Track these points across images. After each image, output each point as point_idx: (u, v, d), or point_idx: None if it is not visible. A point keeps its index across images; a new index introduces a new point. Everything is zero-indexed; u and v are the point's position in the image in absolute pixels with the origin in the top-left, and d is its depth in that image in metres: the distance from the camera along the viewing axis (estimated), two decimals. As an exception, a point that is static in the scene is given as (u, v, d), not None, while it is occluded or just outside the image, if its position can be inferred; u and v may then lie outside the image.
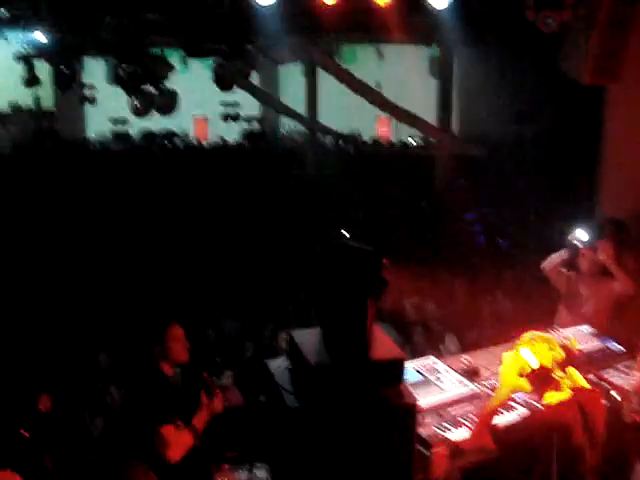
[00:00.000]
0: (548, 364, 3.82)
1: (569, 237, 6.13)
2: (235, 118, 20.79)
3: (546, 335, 3.98)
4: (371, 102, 11.77)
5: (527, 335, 3.94)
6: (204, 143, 22.29)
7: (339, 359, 3.38)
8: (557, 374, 3.84)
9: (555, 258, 6.27)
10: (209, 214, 13.12)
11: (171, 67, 11.79)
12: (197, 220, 12.66)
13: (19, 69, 14.48)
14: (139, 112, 13.14)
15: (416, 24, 9.01)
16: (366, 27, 9.31)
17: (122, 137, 21.35)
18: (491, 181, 14.16)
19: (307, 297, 8.79)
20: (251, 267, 10.67)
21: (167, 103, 12.32)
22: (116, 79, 11.58)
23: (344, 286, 3.36)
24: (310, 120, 16.72)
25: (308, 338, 3.64)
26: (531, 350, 3.84)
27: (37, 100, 21.36)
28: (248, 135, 22.46)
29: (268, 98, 15.10)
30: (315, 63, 11.75)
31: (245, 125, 22.76)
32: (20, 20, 11.27)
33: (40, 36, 12.59)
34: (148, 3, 10.41)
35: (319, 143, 18.01)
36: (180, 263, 10.75)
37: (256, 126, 23.36)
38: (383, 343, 3.52)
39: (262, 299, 9.59)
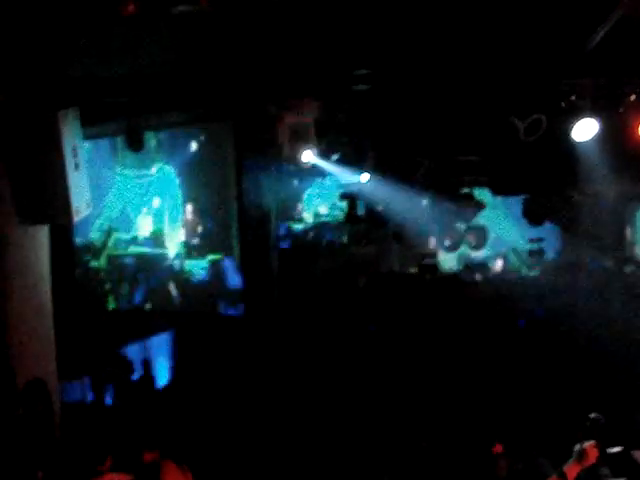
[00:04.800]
0: None
1: None
2: (540, 253, 20.73)
3: None
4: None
5: None
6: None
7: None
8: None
9: None
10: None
11: (482, 206, 12.39)
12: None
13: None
14: (449, 248, 13.88)
15: None
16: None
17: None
18: None
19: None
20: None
21: (478, 239, 12.89)
22: (433, 217, 12.41)
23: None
24: (619, 253, 16.36)
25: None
26: None
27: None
28: (547, 269, 22.26)
29: (580, 231, 15.07)
30: (627, 197, 11.71)
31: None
32: (348, 164, 12.52)
33: (364, 178, 13.72)
34: (464, 145, 11.08)
35: (628, 278, 17.44)
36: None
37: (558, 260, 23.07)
38: None
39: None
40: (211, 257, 15.16)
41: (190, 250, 15.41)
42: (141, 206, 15.79)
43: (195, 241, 15.45)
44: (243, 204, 13.59)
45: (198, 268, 15.17)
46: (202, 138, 15.11)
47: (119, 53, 7.61)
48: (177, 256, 15.41)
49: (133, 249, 15.35)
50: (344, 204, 15.40)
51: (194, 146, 15.26)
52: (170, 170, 15.54)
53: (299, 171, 13.61)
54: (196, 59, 7.62)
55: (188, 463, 5.07)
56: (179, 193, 15.69)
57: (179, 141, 15.24)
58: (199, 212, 15.59)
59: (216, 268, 14.92)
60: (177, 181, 15.62)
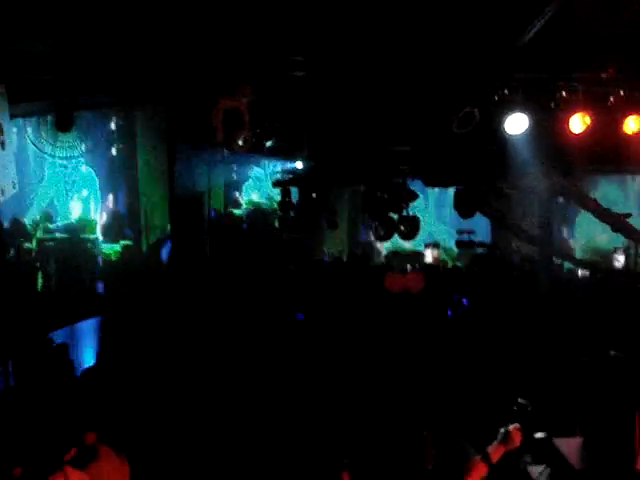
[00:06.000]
0: None
1: None
2: (469, 245, 20.92)
3: None
4: (616, 231, 11.60)
5: None
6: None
7: (604, 467, 3.54)
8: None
9: None
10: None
11: (416, 195, 12.47)
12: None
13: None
14: (382, 237, 13.89)
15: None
16: (615, 157, 9.45)
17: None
18: None
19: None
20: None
21: (410, 229, 12.93)
22: (365, 206, 12.44)
23: (614, 397, 3.55)
24: (546, 245, 16.69)
25: (570, 445, 3.83)
26: None
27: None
28: (476, 259, 22.51)
29: (509, 224, 15.31)
30: (557, 191, 11.91)
31: (478, 250, 22.85)
32: (283, 151, 12.50)
33: (298, 165, 13.75)
34: (397, 136, 11.13)
35: (554, 269, 17.82)
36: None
37: (486, 251, 23.38)
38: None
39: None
40: (123, 242, 15.45)
41: (106, 235, 15.65)
42: (68, 194, 16.07)
43: (113, 227, 15.73)
44: (175, 189, 13.47)
45: (112, 251, 15.38)
46: (132, 121, 15.18)
47: (49, 30, 7.40)
48: (98, 242, 15.54)
49: (59, 235, 15.28)
50: (278, 191, 15.41)
51: (123, 128, 15.39)
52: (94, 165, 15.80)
53: (233, 156, 13.52)
54: (128, 39, 7.46)
55: (121, 446, 4.97)
56: (103, 182, 15.95)
57: (107, 122, 15.30)
58: (121, 201, 15.94)
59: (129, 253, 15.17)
60: (101, 172, 15.83)
